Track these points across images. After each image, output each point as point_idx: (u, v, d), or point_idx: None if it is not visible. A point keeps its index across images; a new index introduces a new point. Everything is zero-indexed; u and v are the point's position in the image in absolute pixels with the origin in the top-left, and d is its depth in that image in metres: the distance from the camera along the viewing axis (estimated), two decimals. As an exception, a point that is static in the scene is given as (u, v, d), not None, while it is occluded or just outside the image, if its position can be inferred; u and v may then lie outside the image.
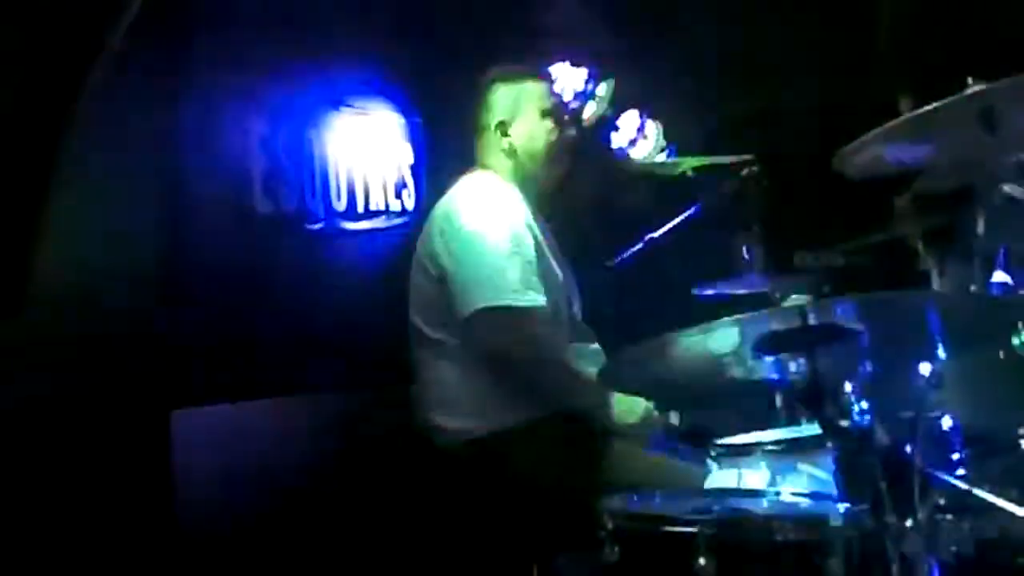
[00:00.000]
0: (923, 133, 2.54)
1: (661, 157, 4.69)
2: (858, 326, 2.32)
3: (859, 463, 2.30)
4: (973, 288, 2.83)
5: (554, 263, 3.31)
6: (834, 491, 2.49)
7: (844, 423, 2.34)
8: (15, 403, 2.80)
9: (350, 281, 3.92)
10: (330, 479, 3.58)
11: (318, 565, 3.48)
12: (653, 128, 4.74)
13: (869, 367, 2.40)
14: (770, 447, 3.38)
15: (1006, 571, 2.27)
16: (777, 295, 3.52)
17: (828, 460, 2.62)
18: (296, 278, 3.69)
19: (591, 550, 2.36)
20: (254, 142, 3.57)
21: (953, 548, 2.20)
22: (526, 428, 3.11)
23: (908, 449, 2.25)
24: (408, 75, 4.27)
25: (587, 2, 4.58)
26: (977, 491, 2.16)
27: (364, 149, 4.08)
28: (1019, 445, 2.42)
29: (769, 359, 2.48)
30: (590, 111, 4.52)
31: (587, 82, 4.47)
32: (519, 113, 3.41)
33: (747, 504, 2.56)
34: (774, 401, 3.51)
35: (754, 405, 3.53)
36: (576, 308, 3.43)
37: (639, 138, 4.73)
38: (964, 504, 2.20)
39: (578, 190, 4.50)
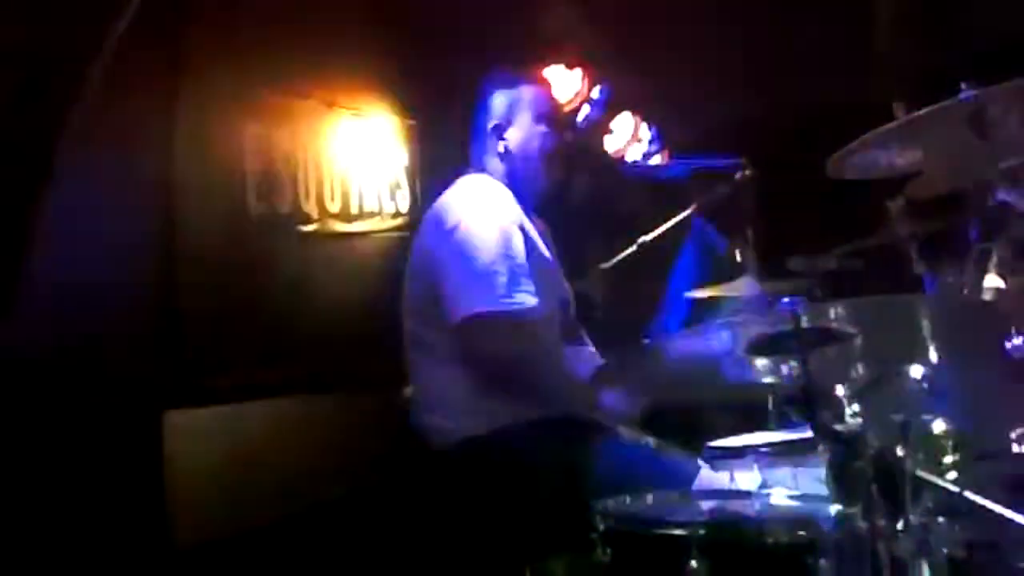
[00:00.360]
0: (916, 138, 2.55)
1: (655, 160, 4.70)
2: (851, 330, 2.33)
3: (851, 466, 2.31)
4: (965, 292, 2.84)
5: (548, 265, 3.32)
6: (826, 493, 2.50)
7: (836, 426, 2.35)
8: (6, 403, 2.79)
9: (344, 282, 3.92)
10: (324, 481, 3.57)
11: (314, 567, 3.47)
12: (647, 131, 4.75)
13: (861, 370, 2.41)
14: (762, 449, 3.40)
15: (997, 574, 2.28)
16: (770, 298, 3.53)
17: (820, 463, 2.63)
18: (289, 279, 3.68)
19: (583, 551, 2.37)
20: (249, 143, 3.56)
21: (944, 551, 2.21)
22: (520, 429, 3.11)
23: (900, 452, 2.26)
24: (403, 77, 4.27)
25: (582, 5, 4.59)
26: (968, 494, 2.17)
27: (359, 151, 4.08)
28: (1010, 448, 2.43)
29: (762, 362, 2.50)
30: (585, 114, 4.52)
31: (582, 85, 4.47)
32: (515, 117, 3.42)
33: (739, 506, 2.57)
34: (766, 404, 3.53)
35: (746, 407, 3.55)
36: (570, 310, 3.44)
37: (633, 141, 4.74)
38: (955, 507, 2.21)
39: (572, 193, 4.53)
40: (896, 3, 5.01)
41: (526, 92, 3.46)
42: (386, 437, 3.62)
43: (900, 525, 2.20)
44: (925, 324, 2.38)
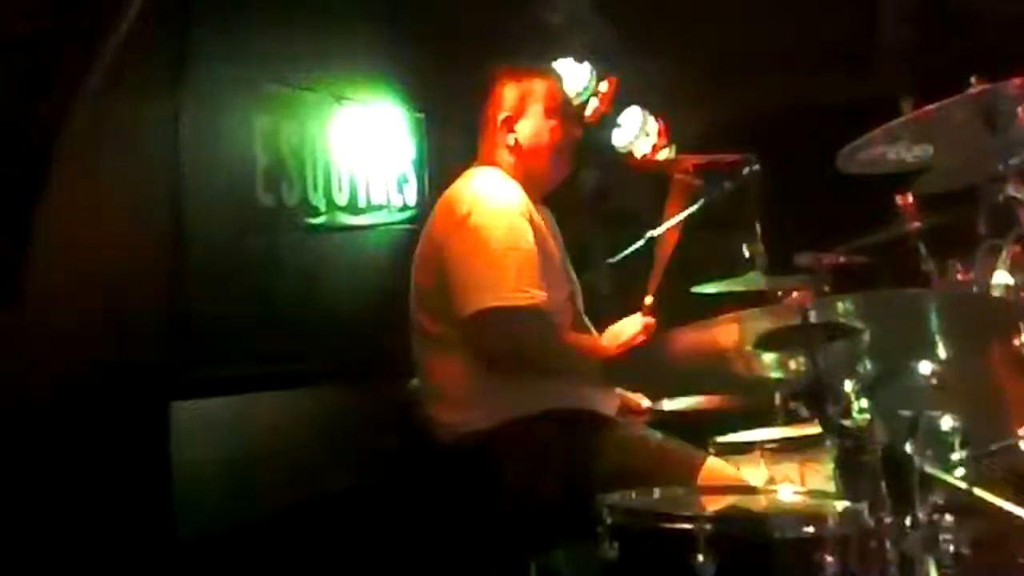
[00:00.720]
0: (926, 132, 2.55)
1: (663, 154, 4.69)
2: (859, 325, 2.33)
3: (858, 462, 2.31)
4: (974, 288, 2.83)
5: (556, 259, 3.31)
6: (833, 489, 2.50)
7: (844, 421, 2.35)
8: (11, 393, 2.79)
9: (351, 274, 3.92)
10: (330, 473, 3.58)
11: (318, 559, 3.48)
12: (655, 125, 4.74)
13: (870, 366, 2.41)
14: (770, 445, 3.39)
15: (1004, 571, 2.27)
16: (778, 293, 3.52)
17: (828, 458, 2.62)
18: (297, 271, 3.69)
19: (590, 545, 2.37)
20: (256, 135, 3.57)
21: (951, 548, 2.21)
22: (526, 422, 3.10)
23: (908, 448, 2.25)
24: (411, 69, 4.26)
25: (590, -1, 4.59)
26: (976, 491, 2.17)
27: (366, 143, 4.08)
28: (1018, 446, 2.42)
29: (770, 356, 2.49)
30: (593, 108, 4.52)
31: (590, 79, 4.46)
32: (524, 110, 3.41)
33: (746, 501, 2.57)
34: (774, 399, 3.52)
35: (754, 402, 3.55)
36: (577, 304, 3.43)
37: (641, 135, 4.73)
38: (963, 504, 2.21)
39: (580, 187, 4.52)
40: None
41: (537, 85, 3.45)
42: (392, 430, 3.62)
43: (908, 521, 2.20)
44: (933, 319, 2.38)
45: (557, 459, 3.05)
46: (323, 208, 3.82)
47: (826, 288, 3.44)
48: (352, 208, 3.96)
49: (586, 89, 4.48)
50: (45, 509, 2.84)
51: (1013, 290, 2.64)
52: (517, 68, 3.50)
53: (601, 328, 3.45)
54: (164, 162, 3.26)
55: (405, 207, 4.23)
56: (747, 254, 3.61)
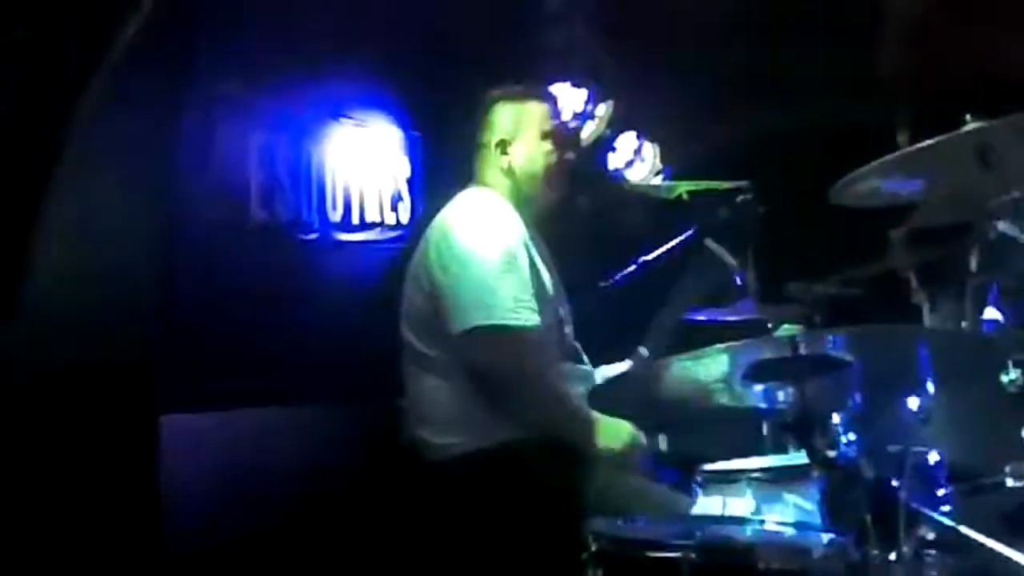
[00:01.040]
0: (920, 168, 2.56)
1: (657, 180, 4.71)
2: (848, 358, 2.33)
3: (845, 494, 2.31)
4: (964, 324, 2.84)
5: (548, 283, 3.31)
6: (819, 521, 2.49)
7: (831, 454, 2.35)
8: (3, 405, 2.79)
9: (343, 292, 3.92)
10: (318, 491, 3.57)
11: (305, 574, 3.47)
12: (650, 151, 4.75)
13: (858, 399, 2.41)
14: (756, 475, 3.39)
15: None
16: (769, 323, 3.52)
17: (814, 490, 2.62)
18: (289, 288, 3.69)
19: (574, 572, 2.36)
20: (252, 152, 3.57)
21: (936, 583, 2.20)
22: (514, 445, 3.10)
23: (894, 483, 2.25)
24: (407, 89, 4.28)
25: (587, 23, 4.59)
26: (962, 528, 2.17)
27: (361, 161, 4.09)
28: (1004, 483, 2.42)
29: (758, 387, 2.49)
30: (588, 132, 4.53)
31: (586, 103, 4.48)
32: (519, 133, 3.41)
33: (731, 531, 2.56)
34: (761, 429, 3.52)
35: (741, 432, 3.54)
36: (568, 329, 3.43)
37: (636, 160, 4.75)
38: (948, 540, 2.21)
39: (574, 211, 4.52)
40: (901, 28, 5.02)
41: (532, 108, 3.46)
42: (379, 449, 3.62)
43: (893, 556, 2.20)
44: (923, 355, 2.38)
45: (544, 484, 3.04)
46: (316, 224, 3.83)
47: (816, 319, 3.44)
48: (346, 225, 3.97)
49: (582, 113, 4.49)
50: (35, 520, 2.84)
51: (1002, 327, 2.65)
52: (512, 91, 3.50)
53: (591, 353, 3.45)
54: (159, 178, 3.27)
55: (398, 225, 4.24)
56: (739, 282, 3.62)
